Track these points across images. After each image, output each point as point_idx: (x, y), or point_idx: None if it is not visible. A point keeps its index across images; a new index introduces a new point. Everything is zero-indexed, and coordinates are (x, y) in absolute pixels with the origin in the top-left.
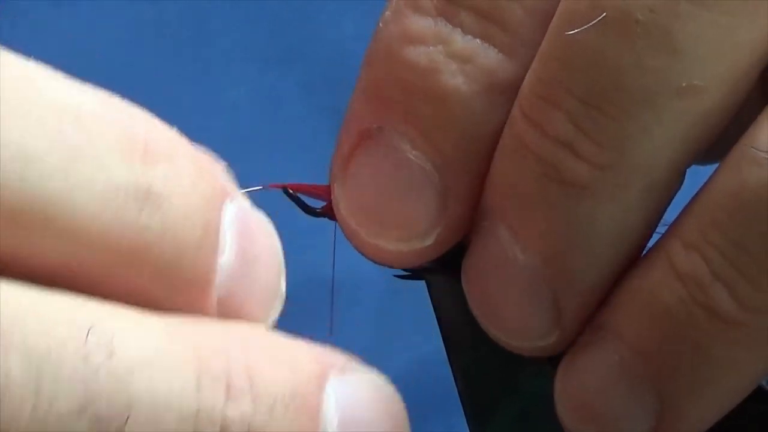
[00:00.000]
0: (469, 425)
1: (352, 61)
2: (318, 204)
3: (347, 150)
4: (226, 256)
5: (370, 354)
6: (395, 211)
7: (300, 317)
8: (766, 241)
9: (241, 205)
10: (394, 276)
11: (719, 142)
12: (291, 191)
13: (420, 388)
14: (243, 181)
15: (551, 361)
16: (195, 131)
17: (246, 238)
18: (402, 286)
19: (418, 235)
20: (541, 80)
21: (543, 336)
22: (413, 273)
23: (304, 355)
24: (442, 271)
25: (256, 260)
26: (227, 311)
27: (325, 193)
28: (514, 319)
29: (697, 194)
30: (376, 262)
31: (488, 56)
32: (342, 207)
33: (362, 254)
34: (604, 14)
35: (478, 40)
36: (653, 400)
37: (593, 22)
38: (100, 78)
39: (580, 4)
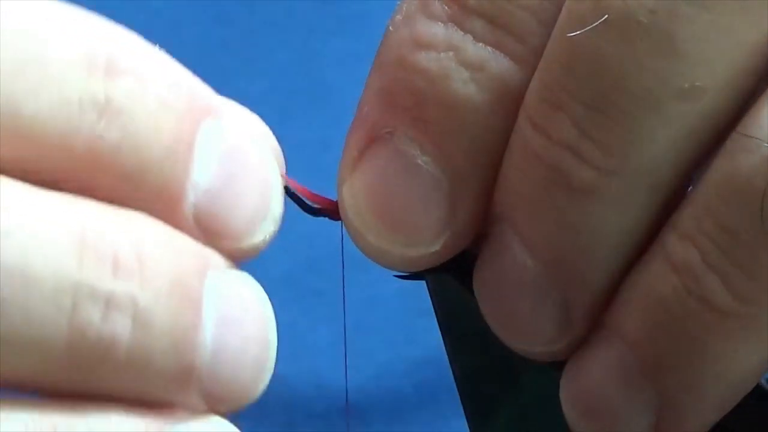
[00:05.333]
0: (469, 425)
1: None
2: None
3: (356, 153)
4: (203, 175)
5: (384, 358)
6: (402, 216)
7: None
8: (756, 228)
9: (227, 123)
10: (394, 275)
11: None
12: (291, 189)
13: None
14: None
15: (552, 361)
16: None
17: (229, 157)
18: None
19: (425, 240)
20: (545, 84)
21: (554, 340)
22: (414, 273)
23: (189, 247)
24: (444, 272)
25: (239, 179)
26: (207, 229)
27: (323, 203)
28: (526, 325)
29: (695, 184)
30: (381, 265)
31: (499, 64)
32: (349, 209)
33: (367, 257)
34: (606, 16)
35: (489, 48)
36: (652, 396)
37: (595, 24)
38: None
39: (582, 6)
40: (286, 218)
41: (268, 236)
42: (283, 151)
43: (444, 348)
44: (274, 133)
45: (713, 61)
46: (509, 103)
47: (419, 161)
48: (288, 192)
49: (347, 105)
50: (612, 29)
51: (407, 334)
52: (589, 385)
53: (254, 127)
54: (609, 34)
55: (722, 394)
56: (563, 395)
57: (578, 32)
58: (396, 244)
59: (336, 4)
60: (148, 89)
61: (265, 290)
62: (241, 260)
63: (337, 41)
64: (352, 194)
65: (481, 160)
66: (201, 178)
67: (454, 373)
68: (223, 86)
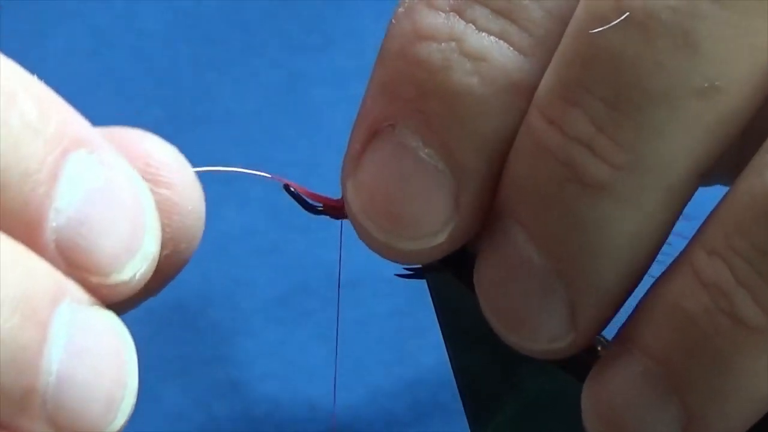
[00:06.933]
0: (470, 424)
1: None
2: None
3: (358, 147)
4: (68, 203)
5: (378, 358)
6: (406, 209)
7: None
8: None
9: (103, 157)
10: (395, 275)
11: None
12: (292, 189)
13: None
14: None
15: (553, 360)
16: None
17: (99, 190)
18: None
19: (429, 233)
20: (560, 80)
21: (557, 338)
22: (414, 272)
23: (43, 271)
24: (444, 270)
25: (107, 213)
26: (69, 259)
27: (323, 201)
28: (528, 322)
29: (721, 200)
30: (386, 259)
31: (504, 55)
32: (353, 204)
33: (373, 251)
34: (627, 14)
35: (493, 38)
36: (678, 412)
37: (616, 22)
38: (140, 71)
39: (603, 4)
40: (277, 240)
41: (139, 275)
42: (271, 169)
43: (437, 365)
44: (262, 152)
45: (732, 61)
46: (514, 94)
47: (421, 154)
48: (289, 191)
49: (335, 124)
50: (633, 27)
51: (400, 354)
52: (613, 398)
53: (152, 163)
54: (630, 31)
55: (748, 410)
56: (585, 408)
57: (599, 29)
58: (400, 238)
59: (324, 22)
60: (13, 107)
61: (257, 311)
62: (112, 299)
63: (325, 60)
64: (355, 189)
65: (484, 152)
66: (65, 206)
67: (455, 373)
68: (211, 105)
